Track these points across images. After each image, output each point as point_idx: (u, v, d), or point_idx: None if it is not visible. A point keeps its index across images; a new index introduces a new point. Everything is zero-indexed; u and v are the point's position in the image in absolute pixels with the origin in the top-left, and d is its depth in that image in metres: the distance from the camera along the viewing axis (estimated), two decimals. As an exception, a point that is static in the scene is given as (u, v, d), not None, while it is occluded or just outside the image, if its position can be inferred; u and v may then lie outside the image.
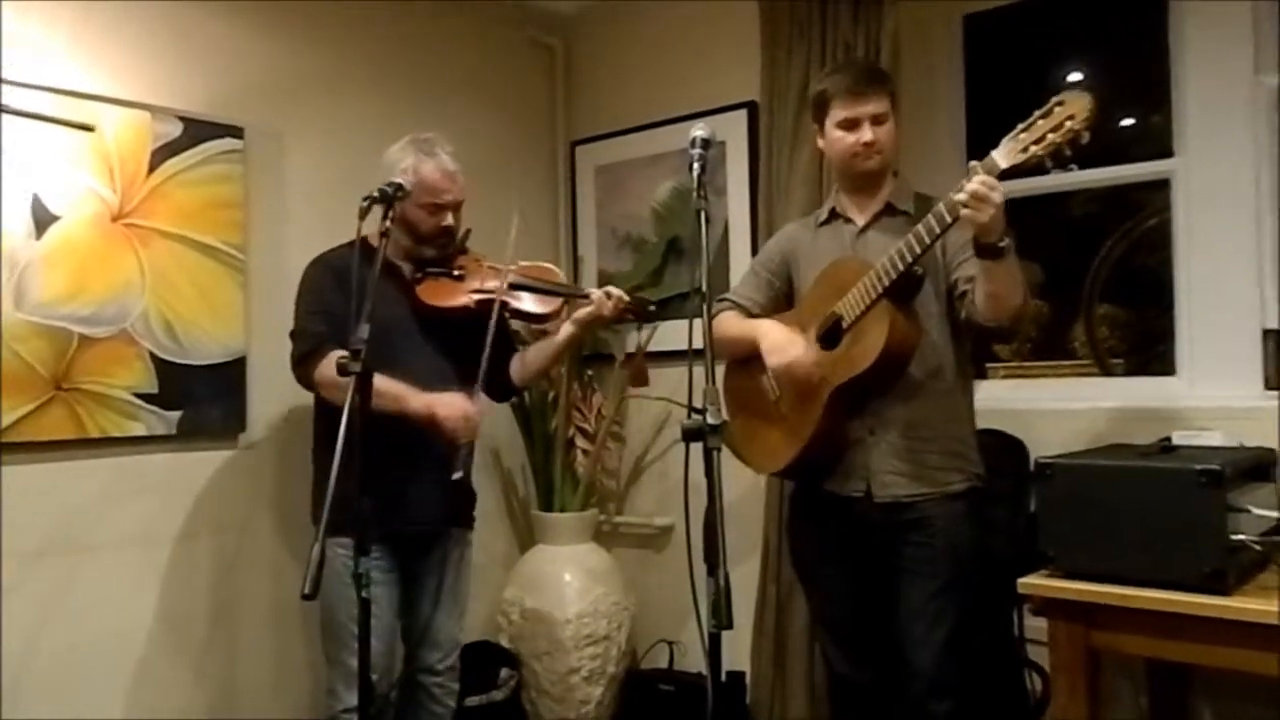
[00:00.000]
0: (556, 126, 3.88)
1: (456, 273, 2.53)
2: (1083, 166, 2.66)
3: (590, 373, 3.64)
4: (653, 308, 2.68)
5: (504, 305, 2.46)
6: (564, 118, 3.88)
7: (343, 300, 2.21)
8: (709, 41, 3.48)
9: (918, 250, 2.07)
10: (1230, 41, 2.60)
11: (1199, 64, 2.65)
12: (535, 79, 3.85)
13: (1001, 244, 1.97)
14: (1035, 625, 2.41)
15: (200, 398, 2.76)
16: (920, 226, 2.05)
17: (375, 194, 2.14)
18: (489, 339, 2.29)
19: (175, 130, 2.73)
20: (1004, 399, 2.88)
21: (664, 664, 3.41)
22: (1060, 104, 1.86)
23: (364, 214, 2.10)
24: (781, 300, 2.49)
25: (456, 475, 2.21)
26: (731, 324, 2.45)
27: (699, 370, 1.71)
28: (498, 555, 3.54)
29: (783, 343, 2.29)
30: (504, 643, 3.35)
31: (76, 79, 2.58)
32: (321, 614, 2.45)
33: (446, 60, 3.50)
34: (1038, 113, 1.89)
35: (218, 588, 2.84)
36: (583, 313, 2.53)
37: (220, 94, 2.86)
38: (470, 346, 2.32)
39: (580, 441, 3.51)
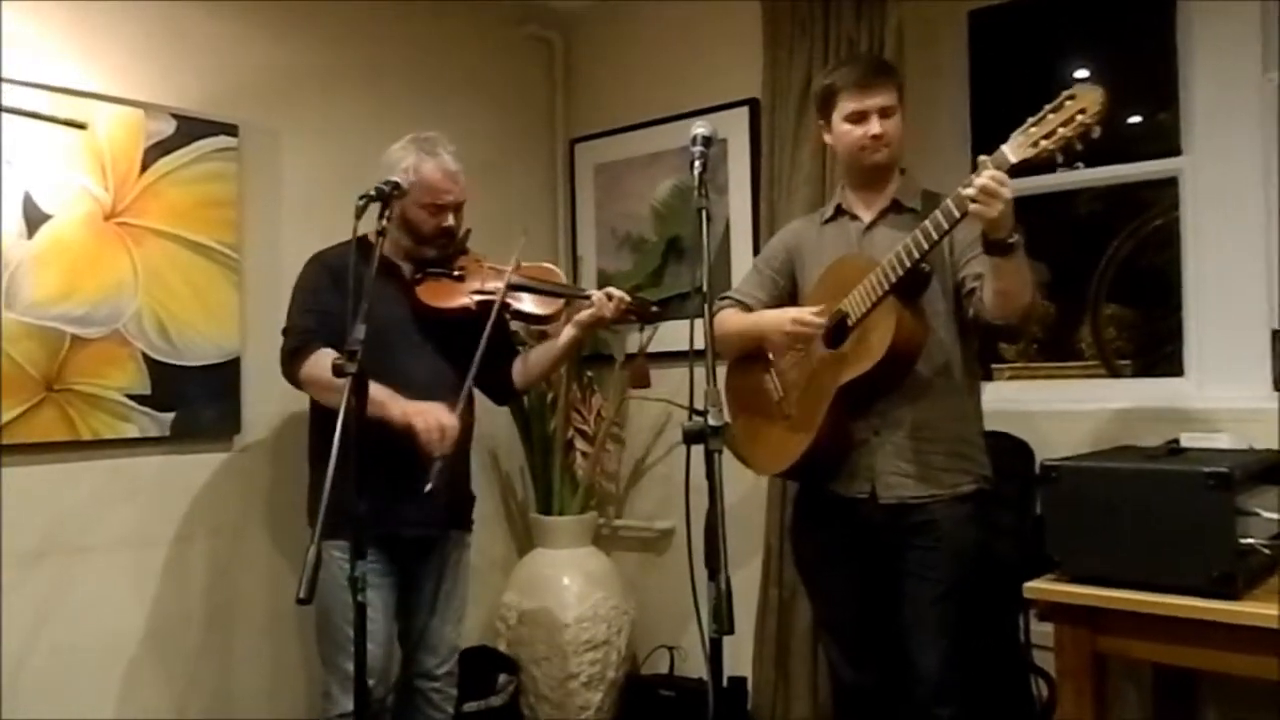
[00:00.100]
0: (556, 124, 3.85)
1: (457, 273, 2.51)
2: (1089, 164, 2.66)
3: (590, 374, 3.61)
4: (655, 308, 2.65)
5: (505, 306, 2.44)
6: (563, 115, 3.85)
7: (339, 299, 2.18)
8: (710, 38, 3.46)
9: (925, 246, 2.04)
10: (1239, 39, 2.58)
11: (1207, 61, 2.63)
12: (534, 76, 3.82)
13: (1011, 240, 1.94)
14: (1041, 630, 2.40)
15: (194, 399, 2.74)
16: (928, 222, 2.02)
17: (372, 192, 2.10)
18: (484, 339, 2.25)
19: (169, 128, 2.70)
20: (1009, 401, 2.85)
21: (664, 669, 3.38)
22: (1071, 97, 1.84)
23: (360, 213, 2.07)
24: (785, 298, 2.46)
25: (428, 487, 2.13)
26: (734, 320, 2.43)
27: (700, 371, 1.68)
28: (496, 559, 3.52)
29: (789, 311, 2.29)
30: (502, 647, 3.33)
31: (69, 76, 2.55)
32: (317, 618, 2.42)
33: (444, 57, 3.47)
34: (1048, 106, 1.87)
35: (212, 591, 2.82)
36: (584, 315, 2.50)
37: (215, 91, 2.83)
38: (470, 348, 2.28)
39: (579, 444, 3.49)
